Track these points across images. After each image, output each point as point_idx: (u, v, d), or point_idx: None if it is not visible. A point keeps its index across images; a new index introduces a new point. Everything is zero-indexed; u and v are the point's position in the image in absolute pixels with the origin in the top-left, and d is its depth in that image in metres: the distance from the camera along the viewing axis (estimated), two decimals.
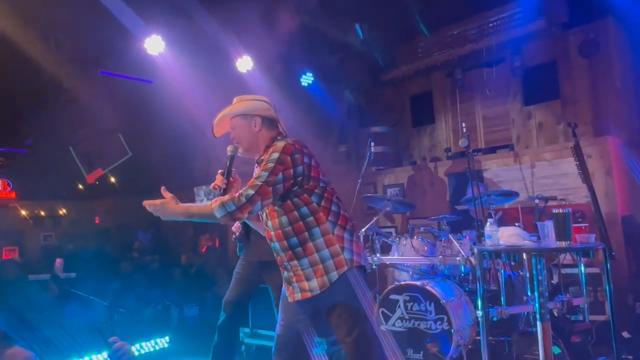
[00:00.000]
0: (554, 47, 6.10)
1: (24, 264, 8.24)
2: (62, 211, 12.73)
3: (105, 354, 4.04)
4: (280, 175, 2.22)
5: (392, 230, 6.57)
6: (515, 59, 6.21)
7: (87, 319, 4.59)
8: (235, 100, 2.53)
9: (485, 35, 6.24)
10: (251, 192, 2.18)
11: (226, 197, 2.22)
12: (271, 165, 2.23)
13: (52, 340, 3.80)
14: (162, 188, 2.29)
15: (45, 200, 12.24)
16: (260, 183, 2.20)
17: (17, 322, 3.58)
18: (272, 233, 2.38)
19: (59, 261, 6.34)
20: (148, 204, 2.25)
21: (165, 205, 2.24)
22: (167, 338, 4.84)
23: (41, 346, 3.56)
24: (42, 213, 12.37)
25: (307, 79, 7.11)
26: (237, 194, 2.20)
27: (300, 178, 2.27)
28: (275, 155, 2.25)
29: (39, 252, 11.43)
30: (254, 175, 2.35)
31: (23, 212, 12.06)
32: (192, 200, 9.81)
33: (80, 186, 10.14)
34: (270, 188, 2.20)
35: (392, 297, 3.92)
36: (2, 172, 11.28)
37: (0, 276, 5.53)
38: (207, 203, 2.25)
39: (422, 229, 4.66)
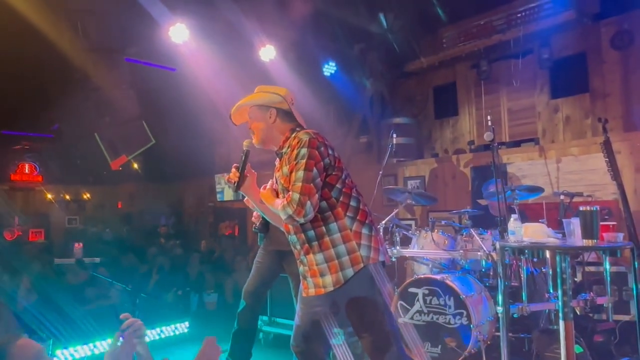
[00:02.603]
0: (584, 38, 5.93)
1: (49, 246, 8.46)
2: (87, 195, 12.99)
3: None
4: (315, 170, 2.22)
5: (412, 222, 6.54)
6: (543, 51, 6.06)
7: (110, 302, 4.70)
8: (256, 89, 2.53)
9: (512, 26, 6.10)
10: (296, 196, 2.19)
11: (284, 201, 2.23)
12: (303, 162, 2.23)
13: (75, 322, 3.90)
14: (249, 165, 2.42)
15: (71, 185, 12.51)
16: (300, 183, 2.20)
17: (42, 305, 3.68)
18: (290, 225, 2.38)
19: (78, 245, 6.46)
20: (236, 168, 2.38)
21: (251, 179, 2.40)
22: (186, 323, 4.92)
23: (66, 327, 3.66)
24: (67, 197, 12.64)
25: (329, 69, 7.06)
26: (288, 200, 2.21)
27: (329, 170, 2.28)
28: (304, 151, 2.24)
29: (63, 235, 11.71)
30: (277, 169, 2.40)
31: (49, 196, 12.34)
32: (213, 188, 9.93)
33: (104, 172, 10.32)
34: (311, 184, 2.20)
35: (411, 290, 3.90)
36: (30, 156, 11.55)
37: (21, 257, 5.68)
38: (278, 201, 2.31)
39: (443, 222, 4.61)
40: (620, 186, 3.68)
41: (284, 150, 2.40)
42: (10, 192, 11.37)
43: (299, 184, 2.19)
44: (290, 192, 2.21)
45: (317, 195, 2.22)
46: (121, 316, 1.93)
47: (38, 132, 10.46)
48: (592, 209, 2.59)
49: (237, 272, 6.54)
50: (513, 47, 6.18)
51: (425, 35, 7.00)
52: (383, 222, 4.46)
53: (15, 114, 8.32)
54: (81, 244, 6.61)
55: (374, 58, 7.13)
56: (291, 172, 2.25)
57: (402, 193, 4.82)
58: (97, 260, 5.43)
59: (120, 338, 1.87)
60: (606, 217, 4.45)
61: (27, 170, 11.81)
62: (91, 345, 4.01)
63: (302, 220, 2.22)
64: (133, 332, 1.88)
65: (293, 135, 2.36)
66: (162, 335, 4.67)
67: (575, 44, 6.02)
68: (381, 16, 6.53)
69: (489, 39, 6.35)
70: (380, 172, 5.33)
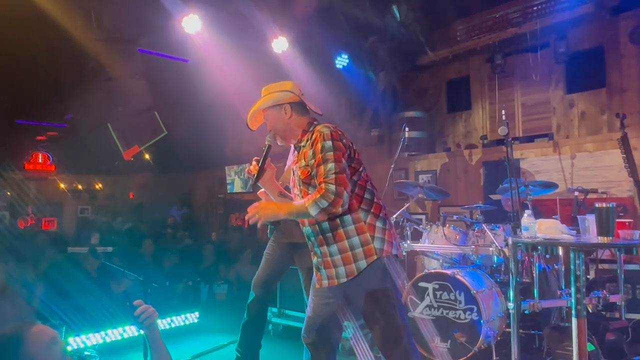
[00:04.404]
0: (602, 32, 5.82)
1: (62, 235, 8.56)
2: (99, 185, 13.11)
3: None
4: (344, 161, 2.24)
5: (423, 217, 6.50)
6: (559, 45, 5.96)
7: (122, 291, 4.74)
8: (262, 91, 2.54)
9: (528, 19, 6.00)
10: (333, 186, 2.17)
11: (316, 195, 2.20)
12: (331, 154, 2.23)
13: (87, 310, 3.94)
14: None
15: (83, 174, 12.62)
16: (334, 175, 2.19)
17: (55, 293, 3.72)
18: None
19: (95, 236, 6.54)
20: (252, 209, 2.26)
21: (267, 205, 2.29)
22: (197, 313, 4.95)
23: (77, 316, 3.69)
24: (80, 187, 12.76)
25: (342, 61, 7.01)
26: (325, 191, 2.17)
27: (349, 162, 2.30)
28: (329, 144, 2.25)
29: (75, 225, 11.84)
30: (295, 161, 2.42)
31: (62, 185, 12.47)
32: (224, 179, 9.96)
33: (116, 162, 10.40)
34: (344, 175, 2.21)
35: (421, 284, 3.88)
36: (43, 146, 11.67)
37: (33, 247, 5.74)
38: (301, 201, 2.27)
39: (454, 217, 4.57)
40: (637, 183, 3.62)
41: (302, 143, 2.41)
42: (24, 181, 11.51)
43: (333, 176, 2.19)
44: (324, 184, 2.19)
45: (350, 187, 2.23)
46: (135, 302, 1.95)
47: (52, 122, 10.56)
48: (608, 205, 2.55)
49: (246, 263, 6.58)
50: (529, 40, 6.08)
51: (438, 28, 6.92)
52: (394, 216, 4.44)
53: (29, 103, 8.40)
54: (97, 234, 6.68)
55: (387, 51, 7.06)
56: (318, 166, 2.24)
57: (414, 187, 4.79)
58: (110, 249, 5.48)
59: (141, 331, 1.90)
60: (621, 214, 4.38)
61: (40, 160, 11.95)
62: (102, 333, 4.05)
63: (340, 211, 2.20)
64: (146, 319, 1.91)
65: (312, 129, 2.38)
66: (173, 325, 4.70)
67: (593, 37, 5.91)
68: (394, 8, 6.46)
69: (504, 32, 6.25)
70: (392, 166, 5.30)
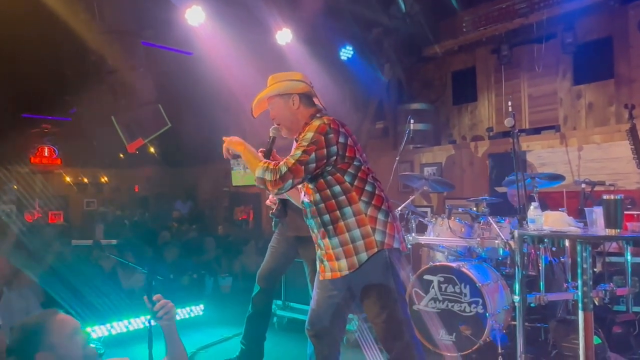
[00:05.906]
0: (611, 22, 5.75)
1: (69, 228, 8.60)
2: (104, 178, 13.15)
3: (143, 318, 4.20)
4: (313, 155, 2.22)
5: (428, 210, 6.47)
6: (566, 35, 5.89)
7: (127, 284, 4.75)
8: (269, 80, 2.52)
9: (535, 9, 5.94)
10: (284, 169, 2.21)
11: (272, 165, 2.25)
12: (305, 144, 2.24)
13: (93, 303, 3.95)
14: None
15: (88, 168, 12.66)
16: (293, 161, 2.22)
17: (61, 285, 3.74)
18: (308, 209, 2.41)
19: (99, 228, 6.55)
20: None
21: (239, 143, 2.42)
22: (201, 306, 4.96)
23: (83, 308, 3.71)
24: (85, 180, 12.81)
25: (346, 53, 6.96)
26: (277, 167, 2.23)
27: (334, 158, 2.26)
28: (310, 134, 2.25)
29: (81, 217, 11.90)
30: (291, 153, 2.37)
31: (68, 179, 12.52)
32: (229, 172, 9.95)
33: (121, 155, 10.42)
34: (303, 167, 2.21)
35: (426, 277, 3.87)
36: (49, 139, 11.71)
37: (39, 239, 5.77)
38: (260, 160, 2.34)
39: (460, 209, 4.54)
40: None
41: (300, 136, 2.39)
42: (30, 175, 11.55)
43: (293, 161, 2.22)
44: (282, 163, 2.23)
45: (302, 179, 2.25)
46: (154, 297, 1.96)
47: (57, 115, 10.58)
48: (616, 197, 2.52)
49: (251, 256, 6.59)
50: (535, 31, 6.02)
51: (444, 19, 6.86)
52: (399, 208, 4.42)
53: (34, 97, 8.42)
54: (102, 226, 6.70)
55: (392, 42, 7.01)
56: (295, 150, 2.28)
57: (419, 180, 4.76)
58: (114, 242, 5.50)
59: (152, 322, 1.92)
60: (629, 206, 4.34)
61: (46, 153, 11.99)
62: (108, 325, 4.07)
63: (274, 192, 2.28)
64: (166, 313, 1.92)
65: (311, 122, 2.37)
66: (178, 318, 4.68)
67: (601, 27, 5.84)
68: None
69: (511, 23, 6.19)
70: (397, 159, 5.27)
